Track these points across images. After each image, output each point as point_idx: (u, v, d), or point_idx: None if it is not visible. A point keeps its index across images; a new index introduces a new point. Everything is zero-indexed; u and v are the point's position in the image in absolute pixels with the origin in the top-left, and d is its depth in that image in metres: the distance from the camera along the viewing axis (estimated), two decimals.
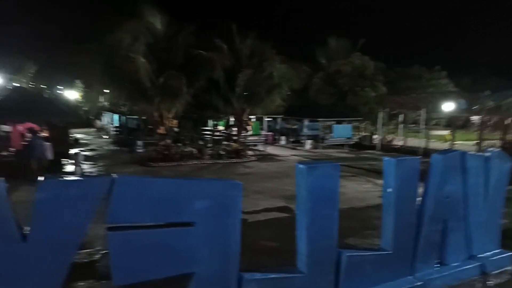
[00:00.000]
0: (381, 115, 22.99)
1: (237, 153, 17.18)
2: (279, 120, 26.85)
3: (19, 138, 12.98)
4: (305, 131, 24.05)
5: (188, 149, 16.52)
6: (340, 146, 22.45)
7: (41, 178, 2.59)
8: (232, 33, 18.86)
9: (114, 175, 2.70)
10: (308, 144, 22.56)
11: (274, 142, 24.84)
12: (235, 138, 19.76)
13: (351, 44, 27.20)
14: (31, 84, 36.70)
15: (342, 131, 22.72)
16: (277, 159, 18.35)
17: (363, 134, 26.14)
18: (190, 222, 3.03)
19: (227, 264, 3.18)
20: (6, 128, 14.64)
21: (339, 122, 23.31)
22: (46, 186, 2.62)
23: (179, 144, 16.87)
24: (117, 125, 26.19)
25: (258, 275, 3.27)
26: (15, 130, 13.35)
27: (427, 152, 15.14)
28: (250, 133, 22.11)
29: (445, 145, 20.55)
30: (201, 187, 3.11)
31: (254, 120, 23.84)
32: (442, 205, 4.30)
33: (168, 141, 16.29)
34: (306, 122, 24.14)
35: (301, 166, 3.39)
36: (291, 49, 25.76)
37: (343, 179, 12.33)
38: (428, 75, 27.78)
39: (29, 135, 12.35)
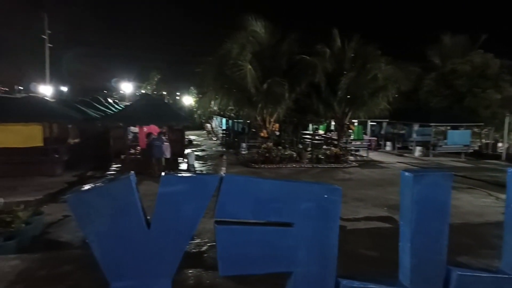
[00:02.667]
0: (507, 120, 19.99)
1: (337, 158, 16.84)
2: (384, 124, 25.39)
3: (144, 138, 14.89)
4: (414, 136, 22.27)
5: (288, 152, 16.82)
6: (456, 154, 20.21)
7: (162, 174, 2.95)
8: (334, 37, 18.62)
9: (223, 174, 2.94)
10: (418, 151, 20.85)
11: (378, 147, 23.61)
12: (335, 142, 19.40)
13: (470, 41, 24.27)
14: (154, 91, 41.79)
15: (458, 137, 20.39)
16: (381, 165, 17.42)
17: (484, 141, 23.06)
18: (289, 223, 3.13)
19: (324, 268, 3.19)
20: (135, 129, 16.98)
21: (454, 128, 21.00)
22: (167, 181, 2.97)
23: (280, 147, 17.27)
24: (225, 128, 28.04)
25: (356, 283, 3.20)
26: (141, 132, 15.35)
27: None
28: (351, 137, 21.42)
29: None
30: (301, 189, 3.19)
31: (357, 124, 23.02)
32: None
33: (270, 144, 16.81)
34: (415, 126, 22.36)
35: (406, 173, 3.23)
36: (400, 49, 24.24)
37: (458, 191, 11.19)
38: None
39: (152, 136, 14.09)
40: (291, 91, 16.58)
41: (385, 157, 20.31)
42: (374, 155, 20.57)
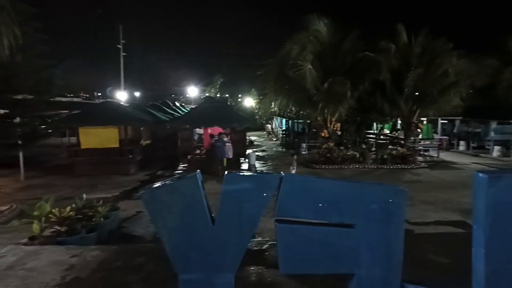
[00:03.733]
0: None
1: (404, 159, 16.00)
2: (457, 123, 23.55)
3: (209, 139, 15.52)
4: (492, 135, 20.35)
5: (350, 152, 16.37)
6: None
7: (226, 173, 3.09)
8: (399, 32, 17.72)
9: (282, 173, 3.00)
10: (496, 150, 19.04)
11: (450, 147, 21.98)
12: (402, 142, 18.45)
13: None
14: (217, 94, 43.35)
15: None
16: (453, 166, 16.21)
17: None
18: (350, 224, 3.10)
19: (388, 271, 3.11)
20: (200, 131, 17.77)
21: None
22: (230, 179, 3.10)
23: (341, 147, 16.88)
24: (285, 128, 28.12)
25: None
26: (206, 133, 16.02)
27: None
28: (420, 137, 20.21)
29: None
30: (363, 190, 3.13)
31: (426, 122, 21.65)
32: None
33: (331, 144, 16.51)
34: (493, 124, 20.43)
35: (481, 174, 3.01)
36: (474, 42, 22.34)
37: None
38: None
39: (215, 137, 14.63)
40: (354, 89, 16.12)
41: (458, 157, 18.84)
42: (445, 156, 19.19)
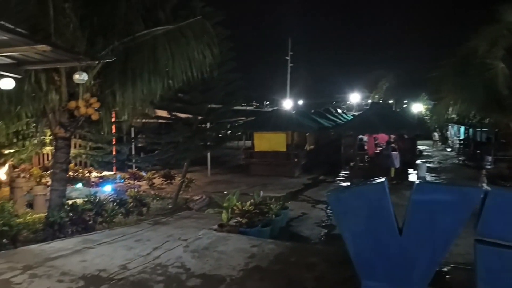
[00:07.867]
0: None
1: None
2: None
3: (373, 147, 15.00)
4: None
5: None
6: None
7: (416, 182, 2.94)
8: None
9: (488, 187, 2.69)
10: None
11: None
12: None
13: None
14: (380, 99, 41.50)
15: None
16: None
17: None
18: None
19: None
20: (364, 138, 17.37)
21: None
22: (422, 189, 2.95)
23: None
24: (463, 138, 24.69)
25: None
26: (371, 140, 15.54)
27: None
28: None
29: None
30: None
31: None
32: None
33: None
34: None
35: None
36: None
37: None
38: None
39: (381, 145, 14.01)
40: None
41: None
42: None
